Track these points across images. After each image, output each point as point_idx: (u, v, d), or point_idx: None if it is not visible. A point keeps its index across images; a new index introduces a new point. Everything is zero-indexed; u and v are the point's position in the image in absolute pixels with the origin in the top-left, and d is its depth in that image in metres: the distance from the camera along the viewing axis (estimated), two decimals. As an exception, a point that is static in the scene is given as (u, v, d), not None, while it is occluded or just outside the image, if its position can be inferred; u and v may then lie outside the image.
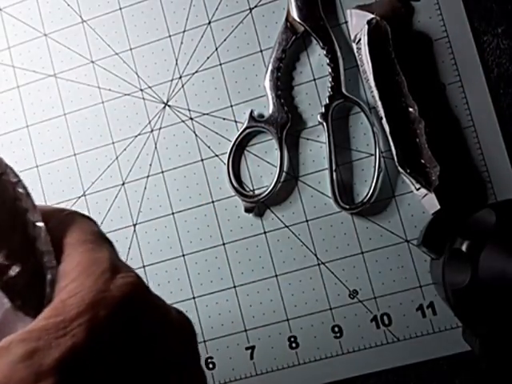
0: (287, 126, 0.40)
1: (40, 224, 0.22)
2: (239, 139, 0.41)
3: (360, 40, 0.39)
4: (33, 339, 0.18)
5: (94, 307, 0.19)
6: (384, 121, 0.38)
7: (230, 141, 0.41)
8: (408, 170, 0.38)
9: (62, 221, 0.23)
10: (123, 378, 0.19)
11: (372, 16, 0.39)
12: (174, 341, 0.22)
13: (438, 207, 0.38)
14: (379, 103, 0.38)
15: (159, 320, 0.22)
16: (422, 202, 0.39)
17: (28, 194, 0.22)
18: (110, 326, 0.19)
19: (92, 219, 0.24)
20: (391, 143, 0.38)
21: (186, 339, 0.23)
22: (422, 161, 0.39)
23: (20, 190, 0.22)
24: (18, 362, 0.18)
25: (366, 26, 0.38)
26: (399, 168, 0.38)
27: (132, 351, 0.20)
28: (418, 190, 0.39)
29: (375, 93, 0.38)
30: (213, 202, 0.42)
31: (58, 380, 0.18)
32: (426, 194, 0.38)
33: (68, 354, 0.18)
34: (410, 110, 0.39)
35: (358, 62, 0.40)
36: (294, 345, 0.40)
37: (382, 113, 0.38)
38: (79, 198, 0.43)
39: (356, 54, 0.40)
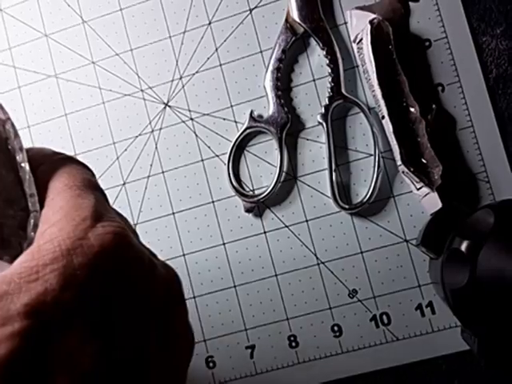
0: (287, 126, 0.40)
1: (24, 165, 0.21)
2: (239, 139, 0.41)
3: (361, 40, 0.39)
4: (3, 283, 0.18)
5: (70, 254, 0.18)
6: (386, 120, 0.38)
7: (230, 141, 0.42)
8: (412, 169, 0.38)
9: (52, 164, 0.22)
10: (98, 330, 0.18)
11: (374, 16, 0.39)
12: (159, 296, 0.21)
13: (440, 206, 0.38)
14: (382, 102, 0.38)
15: (142, 274, 0.20)
16: (421, 202, 0.39)
17: (16, 134, 0.22)
18: (85, 274, 0.18)
19: (87, 167, 0.23)
20: (394, 142, 0.38)
21: (171, 294, 0.22)
22: (423, 160, 0.39)
23: (8, 129, 0.22)
24: None
25: (369, 26, 0.38)
26: (403, 166, 0.38)
27: (111, 303, 0.19)
28: (418, 189, 0.39)
29: (377, 92, 0.38)
30: (213, 201, 0.42)
31: (25, 325, 0.17)
32: (428, 194, 0.38)
33: (37, 299, 0.17)
34: (411, 109, 0.39)
35: (359, 62, 0.40)
36: (293, 344, 0.40)
37: (384, 112, 0.38)
38: (80, 197, 0.43)
39: (357, 54, 0.40)
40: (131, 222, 0.43)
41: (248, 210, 0.41)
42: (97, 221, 0.20)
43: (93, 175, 0.24)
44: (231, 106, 0.42)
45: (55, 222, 0.20)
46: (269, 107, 0.41)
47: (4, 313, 0.17)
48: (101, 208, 0.21)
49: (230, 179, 0.41)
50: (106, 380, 0.18)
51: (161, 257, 0.42)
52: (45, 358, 0.17)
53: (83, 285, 0.18)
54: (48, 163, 0.22)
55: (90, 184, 0.22)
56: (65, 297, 0.18)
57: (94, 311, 0.18)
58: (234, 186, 0.41)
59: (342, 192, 0.40)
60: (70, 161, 0.23)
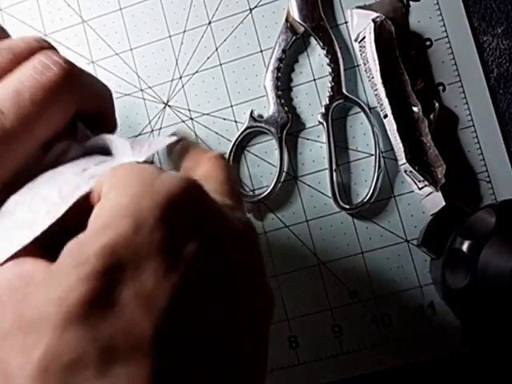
0: (287, 126, 0.40)
1: None
2: (239, 139, 0.41)
3: (364, 38, 0.39)
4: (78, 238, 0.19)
5: (138, 201, 0.19)
6: (389, 118, 0.38)
7: (230, 141, 0.41)
8: (416, 167, 0.38)
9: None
10: (172, 268, 0.19)
11: (377, 14, 0.39)
12: (240, 253, 0.21)
13: (444, 204, 0.38)
14: (385, 101, 0.38)
15: (222, 230, 0.20)
16: (423, 201, 0.39)
17: None
18: (154, 218, 0.19)
19: None
20: (398, 141, 0.38)
21: (251, 251, 0.22)
22: (426, 159, 0.39)
23: None
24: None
25: (372, 24, 0.38)
26: (406, 165, 0.38)
27: (185, 244, 0.19)
28: (420, 189, 0.39)
29: (381, 90, 0.38)
30: (213, 202, 0.42)
31: (100, 264, 0.18)
32: (430, 193, 0.38)
33: (110, 242, 0.18)
34: (414, 109, 0.39)
35: (361, 61, 0.40)
36: (294, 344, 0.40)
37: (387, 110, 0.38)
38: (79, 198, 0.43)
39: (358, 53, 0.40)
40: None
41: (248, 210, 0.41)
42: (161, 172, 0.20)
43: None
44: (231, 105, 0.42)
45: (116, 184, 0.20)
46: (269, 107, 0.41)
47: (80, 255, 0.18)
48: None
49: (230, 179, 0.41)
50: (180, 313, 0.19)
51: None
52: (120, 296, 0.18)
53: (153, 228, 0.19)
54: None
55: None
56: (137, 239, 0.18)
57: (167, 252, 0.19)
58: (234, 186, 0.41)
59: (343, 192, 0.40)
60: None
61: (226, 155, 0.41)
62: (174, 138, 0.25)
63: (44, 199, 0.21)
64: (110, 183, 0.20)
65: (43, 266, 0.19)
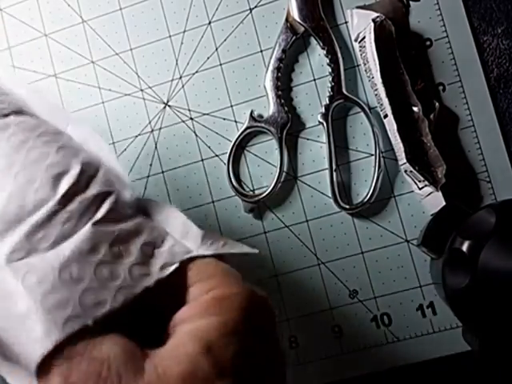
0: (287, 126, 0.40)
1: None
2: (239, 139, 0.41)
3: (364, 38, 0.39)
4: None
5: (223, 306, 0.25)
6: (389, 118, 0.38)
7: (230, 141, 0.42)
8: (416, 167, 0.38)
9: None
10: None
11: (377, 14, 0.39)
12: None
13: (444, 204, 0.38)
14: (385, 101, 0.38)
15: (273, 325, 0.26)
16: (423, 201, 0.39)
17: None
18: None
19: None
20: (398, 140, 0.38)
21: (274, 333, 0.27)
22: (426, 159, 0.39)
23: None
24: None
25: (372, 24, 0.38)
26: (407, 165, 0.38)
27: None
28: (420, 189, 0.39)
29: (381, 90, 0.38)
30: (213, 201, 0.42)
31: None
32: (430, 193, 0.38)
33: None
34: (414, 109, 0.39)
35: (361, 61, 0.40)
36: (293, 344, 0.40)
37: (387, 110, 0.38)
38: (79, 198, 0.43)
39: (358, 53, 0.40)
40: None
41: (248, 210, 0.41)
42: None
43: None
44: (231, 105, 0.42)
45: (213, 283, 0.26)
46: (269, 107, 0.41)
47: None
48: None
49: (230, 179, 0.41)
50: None
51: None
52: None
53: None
54: None
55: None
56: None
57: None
58: (233, 186, 0.41)
59: (343, 192, 0.40)
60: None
61: (226, 155, 0.41)
62: (254, 251, 0.28)
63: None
64: (208, 285, 0.25)
65: None
